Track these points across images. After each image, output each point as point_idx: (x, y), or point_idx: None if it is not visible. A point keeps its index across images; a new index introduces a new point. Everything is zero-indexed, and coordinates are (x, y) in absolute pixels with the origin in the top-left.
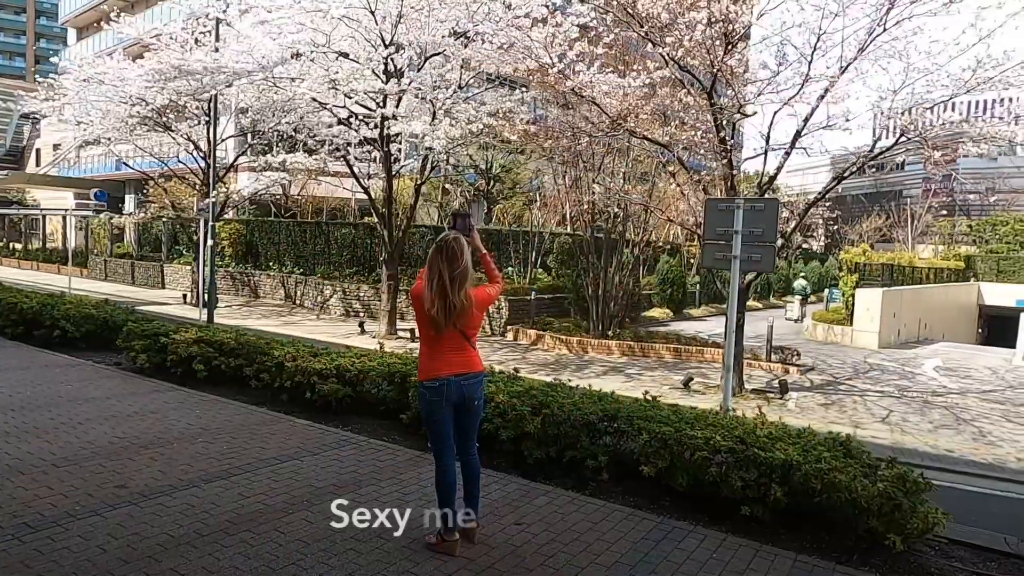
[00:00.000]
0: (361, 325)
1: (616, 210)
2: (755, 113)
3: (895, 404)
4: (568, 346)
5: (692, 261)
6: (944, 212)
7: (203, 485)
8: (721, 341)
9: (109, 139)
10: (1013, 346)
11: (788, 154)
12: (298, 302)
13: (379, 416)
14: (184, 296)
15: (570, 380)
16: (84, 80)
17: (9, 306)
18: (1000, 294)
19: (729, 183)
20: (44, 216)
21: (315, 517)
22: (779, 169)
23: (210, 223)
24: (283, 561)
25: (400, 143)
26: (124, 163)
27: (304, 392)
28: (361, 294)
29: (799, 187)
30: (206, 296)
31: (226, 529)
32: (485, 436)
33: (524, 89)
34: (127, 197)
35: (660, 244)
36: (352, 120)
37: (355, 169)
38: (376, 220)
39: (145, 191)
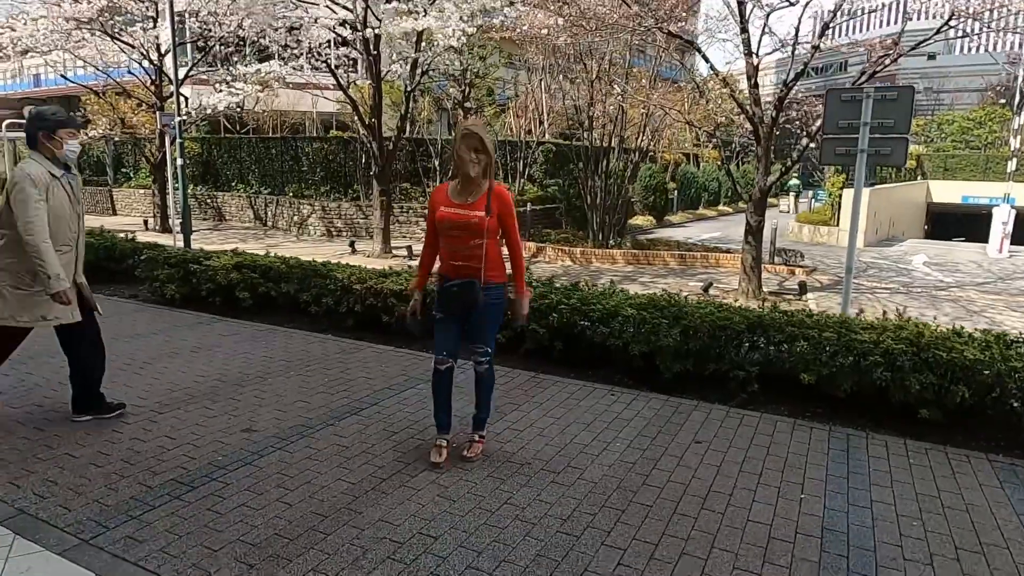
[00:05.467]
0: (352, 244)
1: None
2: (797, 2)
3: (906, 300)
4: (571, 257)
5: (667, 168)
6: None
7: (337, 423)
8: (721, 246)
9: (43, 49)
10: (950, 239)
11: (816, 48)
12: (271, 223)
13: None
14: (145, 222)
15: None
16: None
17: None
18: (947, 191)
19: (753, 80)
20: None
21: (490, 446)
22: (805, 65)
23: (177, 140)
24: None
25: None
26: (64, 76)
27: (378, 316)
28: (342, 212)
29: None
30: (179, 221)
31: (404, 472)
32: (613, 351)
33: None
34: None
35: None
36: (331, 20)
37: (337, 76)
38: (362, 132)
39: (79, 110)
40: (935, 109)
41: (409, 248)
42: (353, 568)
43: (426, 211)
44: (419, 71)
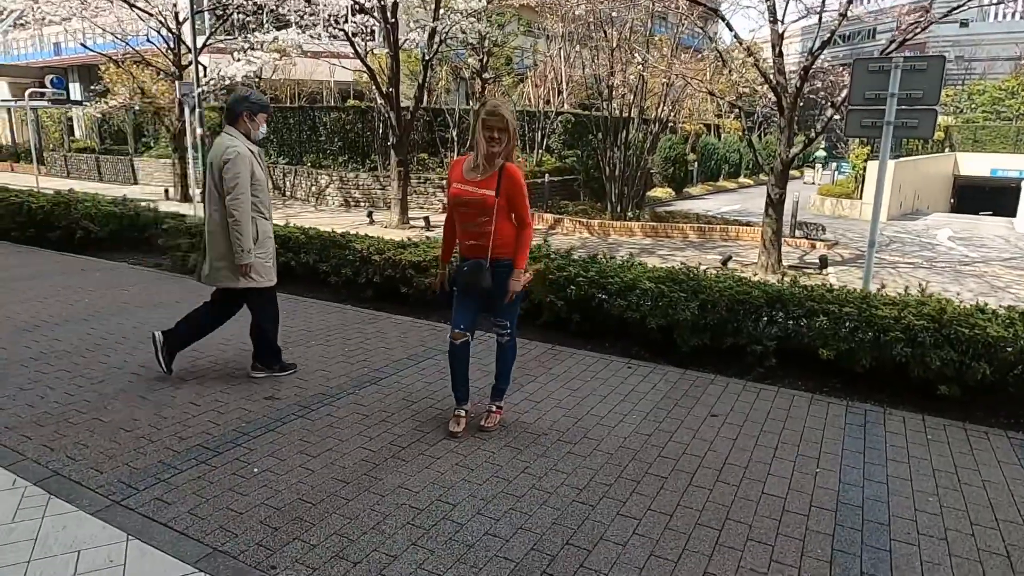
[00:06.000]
0: (370, 215)
1: (628, 84)
2: None
3: (930, 275)
4: (589, 229)
5: (688, 139)
6: None
7: (357, 391)
8: (741, 219)
9: (61, 15)
10: (977, 213)
11: (844, 15)
12: (289, 193)
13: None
14: (166, 191)
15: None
16: None
17: (13, 207)
18: (976, 164)
19: (778, 49)
20: None
21: (508, 417)
22: (832, 33)
23: (197, 109)
24: (543, 468)
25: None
26: (84, 44)
27: (397, 287)
28: (360, 182)
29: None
30: (199, 191)
31: (423, 440)
32: (631, 324)
33: None
34: (71, 85)
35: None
36: None
37: (355, 44)
38: (380, 102)
39: (99, 79)
40: (966, 78)
41: (426, 219)
42: (374, 532)
43: (443, 181)
44: (437, 39)
